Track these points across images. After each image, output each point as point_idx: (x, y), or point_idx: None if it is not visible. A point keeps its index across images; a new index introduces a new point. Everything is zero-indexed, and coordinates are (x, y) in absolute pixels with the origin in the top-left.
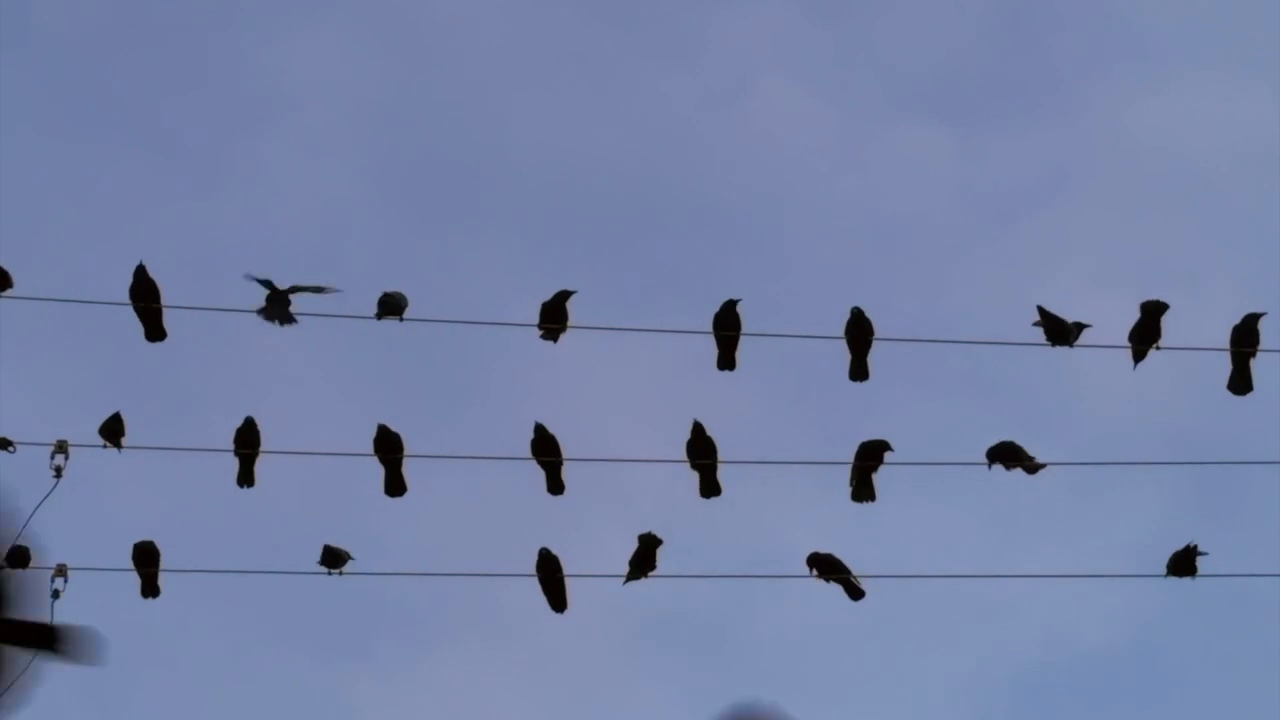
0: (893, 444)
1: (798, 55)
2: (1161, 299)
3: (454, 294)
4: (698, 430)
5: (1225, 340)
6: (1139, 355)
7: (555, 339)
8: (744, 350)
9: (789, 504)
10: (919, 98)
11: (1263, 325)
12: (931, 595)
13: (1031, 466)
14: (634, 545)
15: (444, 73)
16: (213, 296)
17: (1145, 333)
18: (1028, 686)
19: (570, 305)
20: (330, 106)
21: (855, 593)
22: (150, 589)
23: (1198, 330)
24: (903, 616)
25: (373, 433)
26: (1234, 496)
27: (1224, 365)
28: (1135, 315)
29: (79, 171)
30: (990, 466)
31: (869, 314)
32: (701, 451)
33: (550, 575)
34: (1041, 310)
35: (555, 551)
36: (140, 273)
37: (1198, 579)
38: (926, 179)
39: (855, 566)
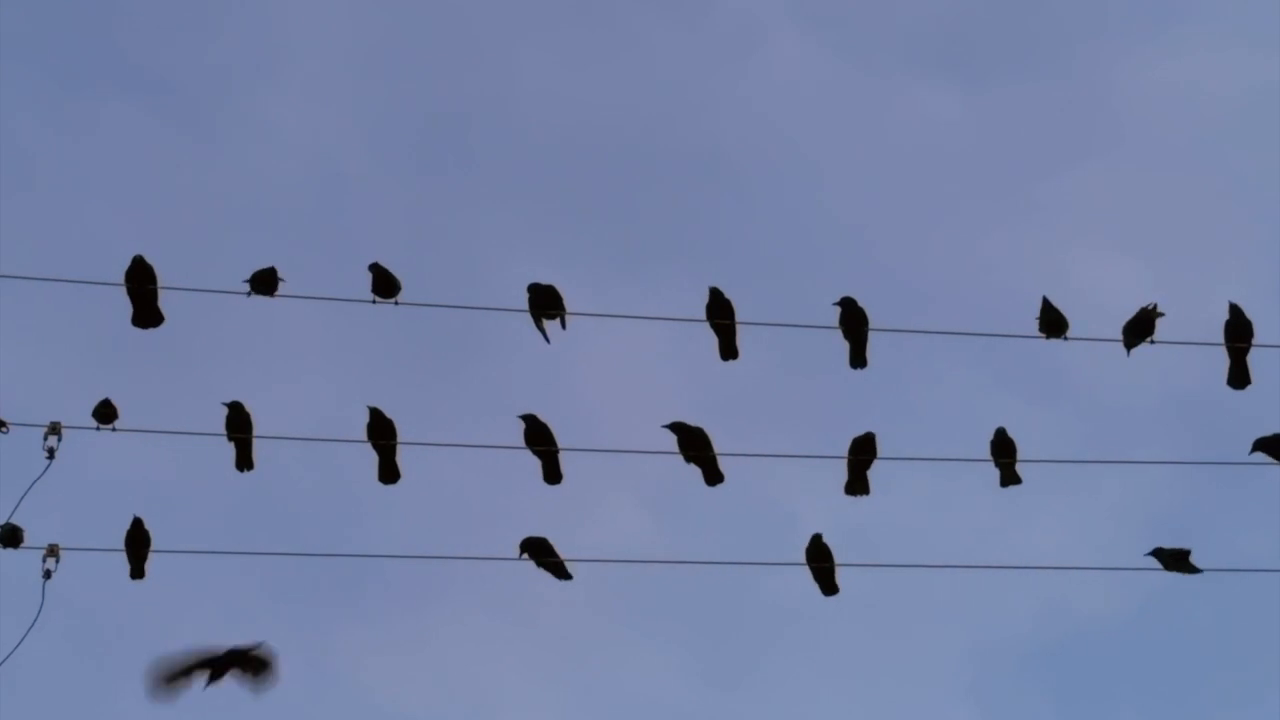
0: (893, 419)
1: (807, 10)
2: (1158, 306)
3: (454, 250)
4: (681, 429)
5: (1232, 302)
6: (1131, 344)
7: (562, 325)
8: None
9: (791, 476)
10: (929, 55)
11: (1265, 313)
12: (928, 572)
13: (1008, 476)
14: (635, 524)
15: (446, 25)
16: (209, 262)
17: (1138, 327)
18: (1027, 657)
19: (571, 276)
20: (330, 58)
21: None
22: (138, 570)
23: (1212, 291)
24: (901, 588)
25: (367, 413)
26: (1238, 463)
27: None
28: (1147, 276)
29: (73, 124)
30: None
31: (873, 289)
32: (696, 445)
33: (544, 560)
34: (1045, 303)
35: (554, 525)
36: (138, 263)
37: (1191, 574)
38: (937, 138)
39: (855, 537)
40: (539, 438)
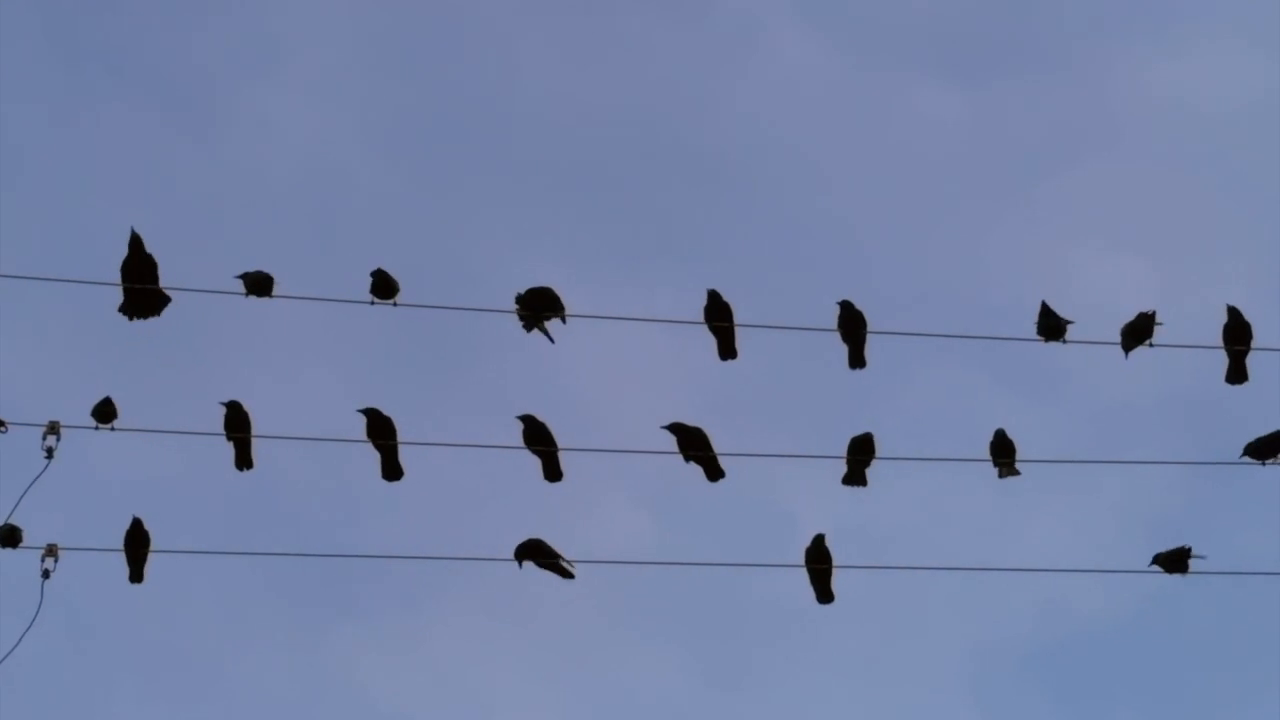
0: (892, 418)
1: (807, 9)
2: (1157, 314)
3: (453, 248)
4: (680, 430)
5: (1231, 305)
6: (1129, 347)
7: (562, 320)
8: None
9: (790, 475)
10: (930, 55)
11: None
12: (926, 569)
13: (1006, 470)
14: (634, 524)
15: (446, 23)
16: (208, 261)
17: (1137, 331)
18: (1027, 657)
19: (570, 275)
20: (329, 57)
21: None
22: (137, 574)
23: (1212, 290)
24: (900, 589)
25: (367, 410)
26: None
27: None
28: (1147, 275)
29: (71, 120)
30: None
31: (873, 288)
32: (695, 445)
33: (544, 561)
34: (1044, 307)
35: (553, 524)
36: (135, 245)
37: (1189, 575)
38: (937, 137)
39: (855, 537)
40: (538, 437)
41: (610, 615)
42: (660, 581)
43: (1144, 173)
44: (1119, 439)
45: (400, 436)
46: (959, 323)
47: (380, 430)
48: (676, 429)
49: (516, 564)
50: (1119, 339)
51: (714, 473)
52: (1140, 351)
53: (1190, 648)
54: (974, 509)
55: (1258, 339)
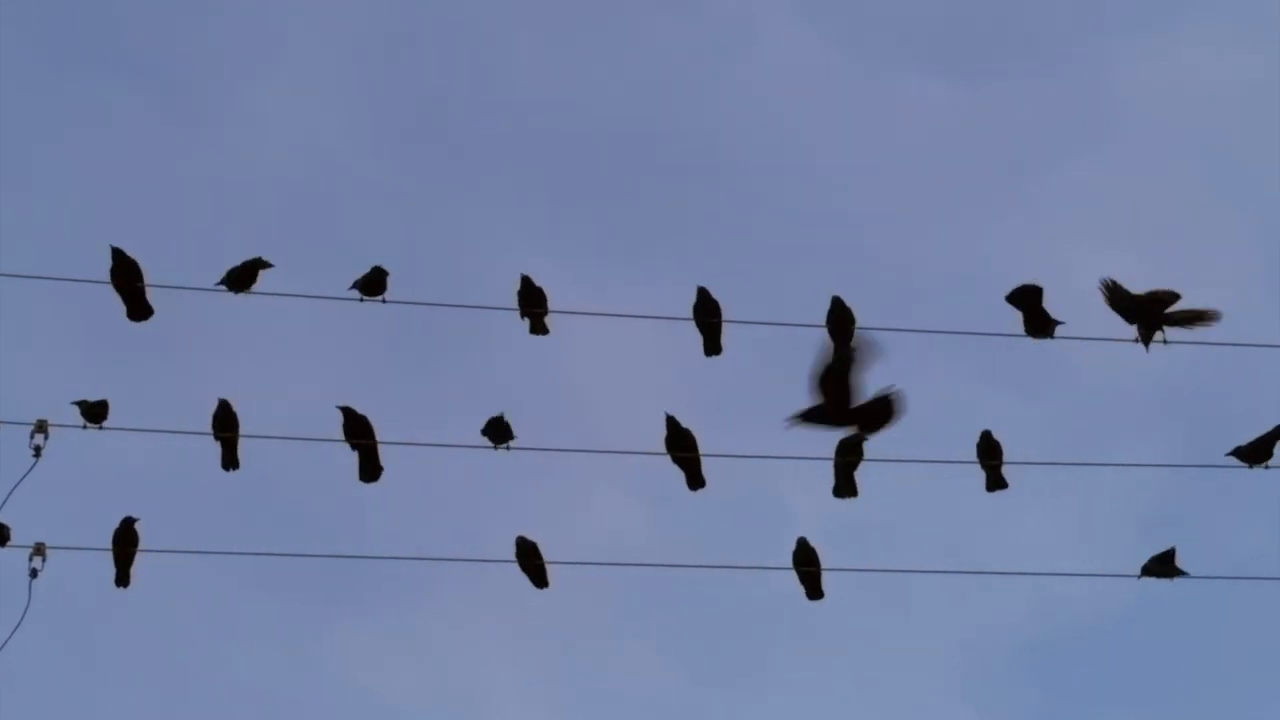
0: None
1: (802, 1)
2: (1114, 280)
3: (445, 241)
4: (672, 424)
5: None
6: (1147, 340)
7: (543, 329)
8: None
9: (782, 469)
10: (926, 47)
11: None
12: (919, 561)
13: (994, 480)
14: (627, 518)
15: (438, 14)
16: (197, 255)
17: (1146, 317)
18: (1018, 651)
19: (564, 268)
20: (321, 48)
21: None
22: (123, 578)
23: (1209, 286)
24: (891, 585)
25: (344, 408)
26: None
27: (1222, 328)
28: (1143, 271)
29: (60, 114)
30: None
31: (867, 281)
32: (681, 446)
33: (529, 561)
34: (1029, 298)
35: (546, 518)
36: (118, 256)
37: (1176, 580)
38: (933, 131)
39: (846, 532)
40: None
41: (604, 611)
42: (652, 578)
43: (1140, 168)
44: (1111, 433)
45: (390, 434)
46: (952, 318)
47: (357, 429)
48: (672, 422)
49: (515, 551)
50: (1135, 337)
51: (695, 480)
52: (1131, 348)
53: (1181, 642)
54: (966, 503)
55: (1252, 334)
